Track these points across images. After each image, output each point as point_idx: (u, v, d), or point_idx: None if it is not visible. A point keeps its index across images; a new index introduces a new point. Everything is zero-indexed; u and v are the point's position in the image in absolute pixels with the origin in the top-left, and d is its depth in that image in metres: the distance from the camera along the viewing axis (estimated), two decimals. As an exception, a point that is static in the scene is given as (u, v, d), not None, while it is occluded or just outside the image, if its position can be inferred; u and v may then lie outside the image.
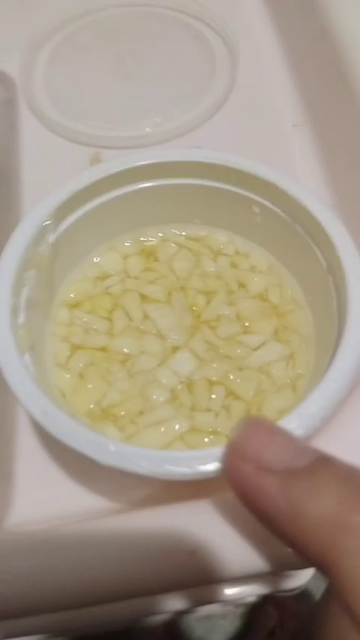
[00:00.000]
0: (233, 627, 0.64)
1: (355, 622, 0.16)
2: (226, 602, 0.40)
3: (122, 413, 0.27)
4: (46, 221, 0.27)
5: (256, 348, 0.28)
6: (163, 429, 0.27)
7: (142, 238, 0.32)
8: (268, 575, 0.36)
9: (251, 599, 0.42)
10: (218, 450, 0.21)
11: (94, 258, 0.31)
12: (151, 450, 0.22)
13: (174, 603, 0.34)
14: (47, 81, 0.42)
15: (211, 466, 0.21)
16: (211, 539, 0.22)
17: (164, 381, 0.28)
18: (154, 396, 0.27)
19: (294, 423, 0.22)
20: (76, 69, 0.43)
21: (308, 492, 0.18)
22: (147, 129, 0.40)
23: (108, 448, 0.22)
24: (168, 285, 0.30)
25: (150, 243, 0.32)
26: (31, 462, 0.30)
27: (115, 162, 0.28)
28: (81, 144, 0.39)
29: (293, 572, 0.38)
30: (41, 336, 0.29)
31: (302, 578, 0.39)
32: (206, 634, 0.63)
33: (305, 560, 0.18)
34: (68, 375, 0.28)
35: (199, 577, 0.22)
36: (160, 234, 0.32)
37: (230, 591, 0.37)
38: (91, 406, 0.27)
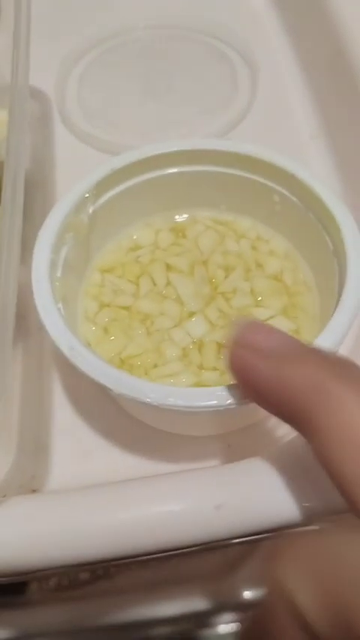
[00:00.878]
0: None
1: (334, 482, 0.19)
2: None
3: (138, 363, 0.30)
4: (86, 194, 0.31)
5: (265, 320, 0.31)
6: (172, 381, 0.30)
7: (174, 217, 0.35)
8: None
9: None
10: (217, 389, 0.24)
11: (130, 232, 0.35)
12: (159, 385, 0.25)
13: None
14: (79, 97, 0.46)
15: (211, 402, 0.24)
16: (235, 494, 0.25)
17: (177, 340, 0.31)
18: (167, 352, 0.31)
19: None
20: (106, 86, 0.47)
21: (293, 365, 0.20)
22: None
23: (121, 379, 0.25)
24: (192, 258, 0.33)
25: (180, 221, 0.35)
26: (66, 435, 0.32)
27: (152, 147, 0.32)
28: (111, 154, 0.42)
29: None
30: (74, 294, 0.32)
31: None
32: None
33: (289, 423, 0.20)
34: (94, 328, 0.32)
35: (224, 531, 0.25)
36: (190, 216, 0.35)
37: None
38: (112, 355, 0.31)
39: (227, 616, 0.44)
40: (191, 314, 0.32)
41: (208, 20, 0.50)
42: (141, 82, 0.47)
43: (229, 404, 0.24)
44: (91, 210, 0.32)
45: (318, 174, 0.41)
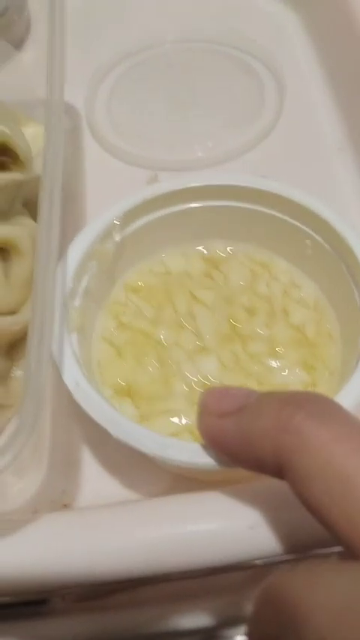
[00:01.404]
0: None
1: (311, 513, 0.19)
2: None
3: (143, 395, 0.30)
4: (114, 220, 0.31)
5: (279, 372, 0.30)
6: (174, 419, 0.29)
7: (208, 248, 0.34)
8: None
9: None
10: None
11: (161, 257, 0.35)
12: (159, 435, 0.25)
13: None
14: (109, 110, 0.46)
15: (208, 459, 0.24)
16: (269, 515, 0.24)
17: (187, 375, 0.30)
18: (175, 386, 0.30)
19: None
20: (135, 99, 0.47)
21: (253, 415, 0.21)
22: (199, 153, 0.43)
23: (121, 425, 0.25)
24: (219, 293, 0.33)
25: (216, 254, 0.34)
26: (97, 449, 0.32)
27: (185, 179, 0.32)
28: (139, 166, 0.43)
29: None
30: (92, 319, 0.32)
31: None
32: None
33: (271, 474, 0.20)
34: (108, 347, 0.32)
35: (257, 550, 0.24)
36: (228, 249, 0.34)
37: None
38: (119, 378, 0.31)
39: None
40: (205, 350, 0.31)
41: (235, 33, 0.49)
42: (168, 95, 0.47)
43: (227, 463, 0.24)
44: (118, 238, 0.32)
45: (345, 185, 0.41)
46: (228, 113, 0.45)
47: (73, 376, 0.26)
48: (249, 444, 0.21)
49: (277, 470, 0.20)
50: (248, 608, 0.43)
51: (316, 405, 0.20)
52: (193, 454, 0.24)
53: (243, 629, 0.44)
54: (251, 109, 0.45)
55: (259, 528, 0.24)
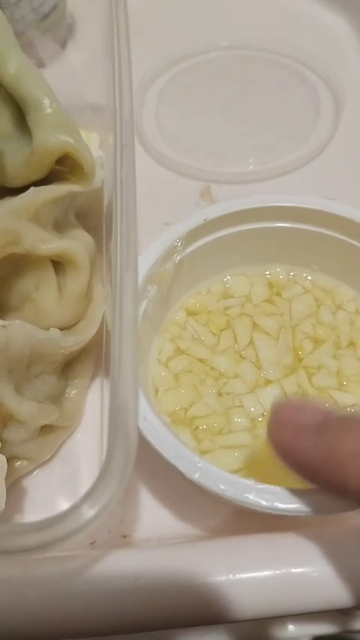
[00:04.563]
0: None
1: None
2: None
3: (203, 427, 0.29)
4: (176, 242, 0.30)
5: (346, 407, 0.29)
6: (236, 453, 0.28)
7: (269, 271, 0.33)
8: (338, 614, 0.36)
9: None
10: (302, 493, 0.22)
11: (224, 278, 0.33)
12: (234, 476, 0.23)
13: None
14: (157, 119, 0.45)
15: (287, 505, 0.22)
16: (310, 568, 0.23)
17: (248, 407, 0.29)
18: (236, 420, 0.29)
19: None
20: (183, 107, 0.45)
21: (339, 434, 0.20)
22: (252, 166, 0.41)
23: (196, 464, 0.24)
24: (281, 321, 0.31)
25: (279, 279, 0.33)
26: (155, 478, 0.30)
27: (247, 200, 0.31)
28: (190, 178, 0.41)
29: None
30: (149, 341, 0.31)
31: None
32: None
33: (343, 495, 0.20)
34: (164, 373, 0.30)
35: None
36: (290, 274, 0.33)
37: (296, 629, 0.38)
38: (177, 408, 0.29)
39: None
40: (268, 382, 0.30)
41: (288, 42, 0.48)
42: (218, 103, 0.45)
43: (311, 512, 0.22)
44: (177, 259, 0.30)
45: None
46: (283, 125, 0.44)
47: (140, 409, 0.25)
48: (334, 465, 0.20)
49: (356, 494, 0.19)
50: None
51: None
52: (273, 498, 0.23)
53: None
54: (307, 122, 0.44)
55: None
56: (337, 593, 0.23)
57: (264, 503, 0.22)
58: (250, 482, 0.23)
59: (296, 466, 0.22)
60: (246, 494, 0.23)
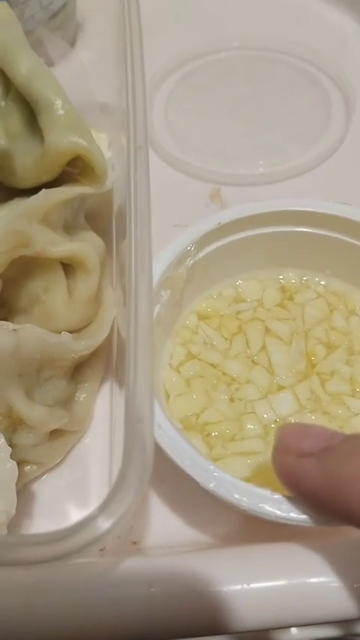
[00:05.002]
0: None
1: None
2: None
3: (215, 433, 0.28)
4: (189, 246, 0.29)
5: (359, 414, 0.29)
6: (249, 460, 0.28)
7: (281, 275, 0.33)
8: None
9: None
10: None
11: (236, 282, 0.33)
12: (250, 485, 0.23)
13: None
14: (166, 119, 0.44)
15: (302, 516, 0.22)
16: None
17: (260, 414, 0.29)
18: (248, 426, 0.28)
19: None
20: (193, 108, 0.45)
21: (342, 460, 0.20)
22: (261, 168, 0.41)
23: (211, 473, 0.23)
24: (294, 326, 0.31)
25: (291, 283, 0.32)
26: (165, 484, 0.30)
27: (262, 204, 0.30)
28: (199, 179, 0.41)
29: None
30: (161, 345, 0.31)
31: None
32: None
33: (351, 524, 0.19)
34: (176, 379, 0.30)
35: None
36: (303, 279, 0.33)
37: (299, 631, 0.37)
38: (189, 414, 0.29)
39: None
40: (280, 388, 0.29)
41: (298, 43, 0.47)
42: (228, 104, 0.45)
43: (326, 522, 0.22)
44: (190, 263, 0.30)
45: None
46: (293, 127, 0.43)
47: (155, 417, 0.24)
48: (336, 490, 0.20)
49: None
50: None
51: None
52: (288, 508, 0.22)
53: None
54: (317, 123, 0.43)
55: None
56: (354, 604, 0.22)
57: (280, 513, 0.22)
58: (266, 492, 0.23)
59: (301, 494, 0.22)
60: (262, 505, 0.22)
